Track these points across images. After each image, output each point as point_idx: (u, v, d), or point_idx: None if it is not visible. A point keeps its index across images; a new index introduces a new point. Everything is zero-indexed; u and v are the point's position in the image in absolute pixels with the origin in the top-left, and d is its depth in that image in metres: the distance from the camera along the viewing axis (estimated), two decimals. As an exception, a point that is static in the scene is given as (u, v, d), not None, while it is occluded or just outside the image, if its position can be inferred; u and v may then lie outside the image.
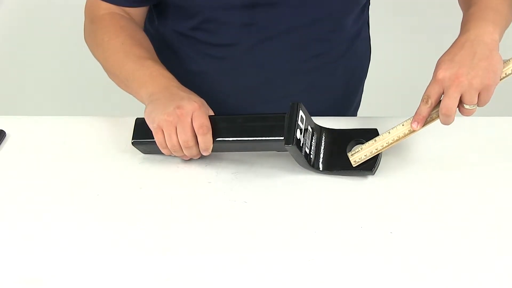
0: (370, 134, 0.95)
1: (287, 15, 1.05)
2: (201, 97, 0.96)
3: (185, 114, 0.91)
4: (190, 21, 1.08)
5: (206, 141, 0.92)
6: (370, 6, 1.20)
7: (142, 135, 0.97)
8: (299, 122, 0.91)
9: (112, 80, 1.05)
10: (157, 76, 0.98)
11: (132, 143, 0.98)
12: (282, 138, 0.90)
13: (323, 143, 0.96)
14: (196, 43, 1.10)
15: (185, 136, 0.91)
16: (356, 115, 1.29)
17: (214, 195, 0.91)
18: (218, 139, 0.93)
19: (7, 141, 1.05)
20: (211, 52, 1.10)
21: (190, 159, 0.97)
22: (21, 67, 2.17)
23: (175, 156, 0.97)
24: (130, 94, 1.01)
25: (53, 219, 0.87)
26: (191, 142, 0.92)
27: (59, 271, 0.79)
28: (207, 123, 0.92)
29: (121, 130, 1.05)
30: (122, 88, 1.03)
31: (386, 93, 2.08)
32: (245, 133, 0.93)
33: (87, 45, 1.09)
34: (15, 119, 1.10)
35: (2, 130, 1.06)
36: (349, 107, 1.23)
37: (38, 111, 1.17)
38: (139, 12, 1.10)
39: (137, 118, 0.99)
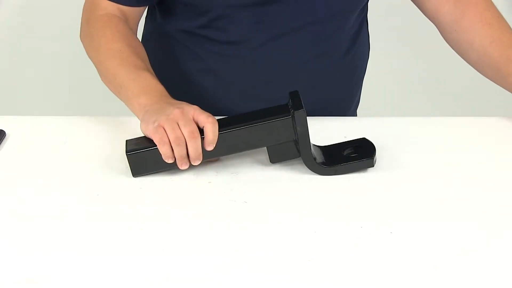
0: (362, 143, 0.96)
1: (296, 13, 1.05)
2: (206, 95, 0.96)
3: (186, 112, 0.91)
4: (199, 19, 1.08)
5: (214, 130, 0.90)
6: (370, 5, 1.20)
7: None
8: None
9: (104, 83, 1.05)
10: (152, 90, 0.98)
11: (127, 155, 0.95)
12: (289, 116, 0.90)
13: (317, 149, 0.96)
14: (204, 41, 1.10)
15: (190, 127, 0.90)
16: (356, 113, 1.29)
17: (214, 195, 0.91)
18: (223, 130, 0.92)
19: (7, 141, 1.05)
20: (219, 50, 1.10)
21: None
22: (21, 67, 2.16)
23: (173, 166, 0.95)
24: (120, 100, 1.01)
25: (53, 219, 0.87)
26: (197, 133, 0.90)
27: (59, 271, 0.79)
28: (212, 116, 0.91)
29: (121, 130, 1.05)
30: (113, 93, 1.03)
31: (385, 92, 2.08)
32: (249, 121, 0.92)
33: (83, 44, 1.10)
34: (15, 119, 1.10)
35: (2, 130, 1.06)
36: (351, 104, 1.23)
37: (38, 111, 1.17)
38: (136, 14, 1.10)
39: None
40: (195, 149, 0.91)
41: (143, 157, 0.94)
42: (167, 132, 0.90)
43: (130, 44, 1.04)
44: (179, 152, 0.91)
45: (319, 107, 1.05)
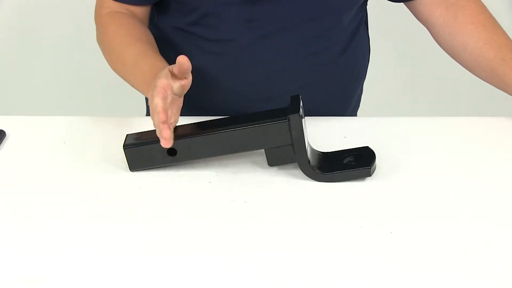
0: (364, 151, 0.95)
1: (287, 11, 1.05)
2: (200, 93, 0.96)
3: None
4: (190, 16, 1.08)
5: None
6: (371, 8, 1.20)
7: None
8: (301, 112, 0.91)
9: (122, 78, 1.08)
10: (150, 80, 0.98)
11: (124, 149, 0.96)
12: (285, 120, 0.89)
13: (317, 155, 0.96)
14: (196, 38, 1.10)
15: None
16: (355, 115, 1.29)
17: (214, 195, 0.91)
18: (220, 130, 0.92)
19: (7, 141, 1.05)
20: (210, 48, 1.10)
21: (190, 161, 0.97)
22: (21, 67, 2.17)
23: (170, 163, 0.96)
24: (141, 92, 1.04)
25: (53, 219, 0.87)
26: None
27: (59, 271, 0.79)
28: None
29: (121, 130, 1.05)
30: (133, 87, 1.05)
31: (385, 94, 2.08)
32: (246, 123, 0.92)
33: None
34: (15, 119, 1.10)
35: (2, 130, 1.06)
36: (347, 107, 1.23)
37: (38, 111, 1.17)
38: (144, 11, 1.11)
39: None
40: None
41: (140, 152, 0.94)
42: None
43: (131, 33, 1.06)
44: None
45: (313, 107, 1.05)
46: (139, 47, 1.04)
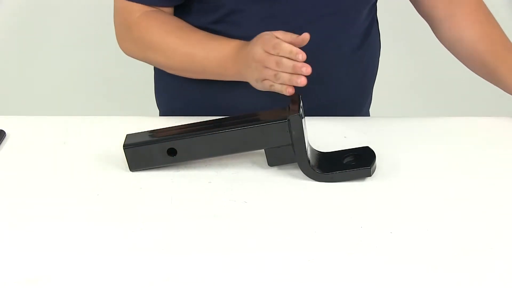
0: (364, 151, 0.95)
1: (307, 7, 1.06)
2: (221, 90, 0.98)
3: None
4: (212, 15, 1.09)
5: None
6: (380, 5, 1.21)
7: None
8: (301, 112, 0.90)
9: (182, 75, 1.10)
10: (231, 50, 1.03)
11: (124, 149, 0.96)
12: (285, 120, 0.89)
13: (317, 155, 0.96)
14: None
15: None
16: (369, 114, 1.29)
17: (214, 195, 0.91)
18: (219, 130, 0.92)
19: (7, 141, 1.05)
20: None
21: (190, 161, 0.97)
22: (21, 67, 2.17)
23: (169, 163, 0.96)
24: (213, 78, 1.07)
25: (53, 219, 0.87)
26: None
27: (59, 271, 0.79)
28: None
29: (121, 130, 1.04)
30: (199, 77, 1.08)
31: (386, 95, 2.08)
32: (246, 123, 0.93)
33: (129, 52, 1.12)
34: (15, 119, 1.10)
35: (2, 130, 1.06)
36: (364, 102, 1.23)
37: (38, 111, 1.17)
38: (171, 10, 1.12)
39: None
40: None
41: (140, 152, 0.94)
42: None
43: (180, 27, 1.08)
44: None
45: (330, 102, 1.05)
46: (199, 33, 1.07)
